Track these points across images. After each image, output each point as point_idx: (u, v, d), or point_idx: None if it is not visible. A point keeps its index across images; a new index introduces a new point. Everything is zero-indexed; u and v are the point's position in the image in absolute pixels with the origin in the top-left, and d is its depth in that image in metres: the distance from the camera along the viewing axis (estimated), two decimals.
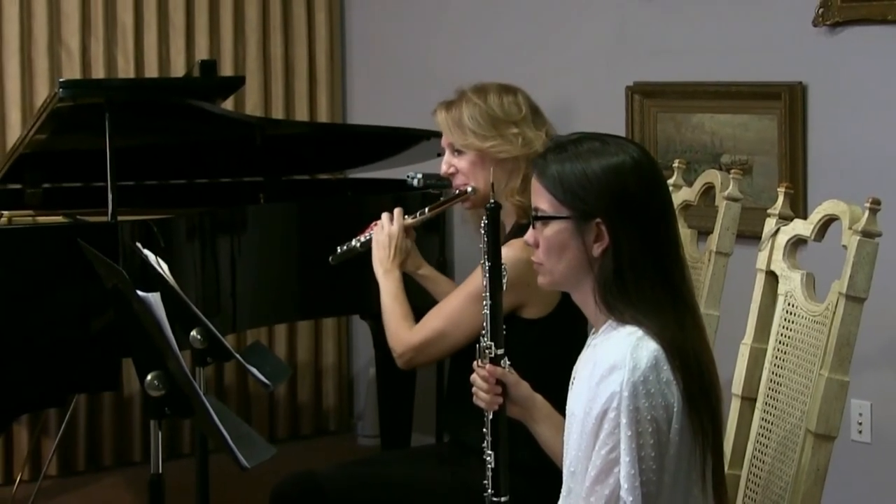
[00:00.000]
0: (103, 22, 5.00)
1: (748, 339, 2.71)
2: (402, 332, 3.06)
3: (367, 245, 3.23)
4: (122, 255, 3.43)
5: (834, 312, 2.43)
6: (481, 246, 2.44)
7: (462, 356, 2.99)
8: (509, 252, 2.78)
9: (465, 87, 3.17)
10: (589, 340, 2.32)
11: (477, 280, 2.95)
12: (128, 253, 3.43)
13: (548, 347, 2.93)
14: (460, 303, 3.01)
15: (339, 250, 3.32)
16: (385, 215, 3.21)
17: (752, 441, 2.63)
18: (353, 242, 3.28)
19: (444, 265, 4.18)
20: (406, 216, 3.22)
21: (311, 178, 4.87)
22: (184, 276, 3.56)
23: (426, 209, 3.25)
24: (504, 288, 2.43)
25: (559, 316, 2.96)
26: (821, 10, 3.98)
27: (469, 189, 3.12)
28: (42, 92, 4.84)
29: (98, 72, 4.99)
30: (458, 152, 3.14)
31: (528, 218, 2.88)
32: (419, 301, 3.26)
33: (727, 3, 4.25)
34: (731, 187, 2.98)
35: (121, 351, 3.42)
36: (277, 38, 5.38)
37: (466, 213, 3.25)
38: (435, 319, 3.04)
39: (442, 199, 3.27)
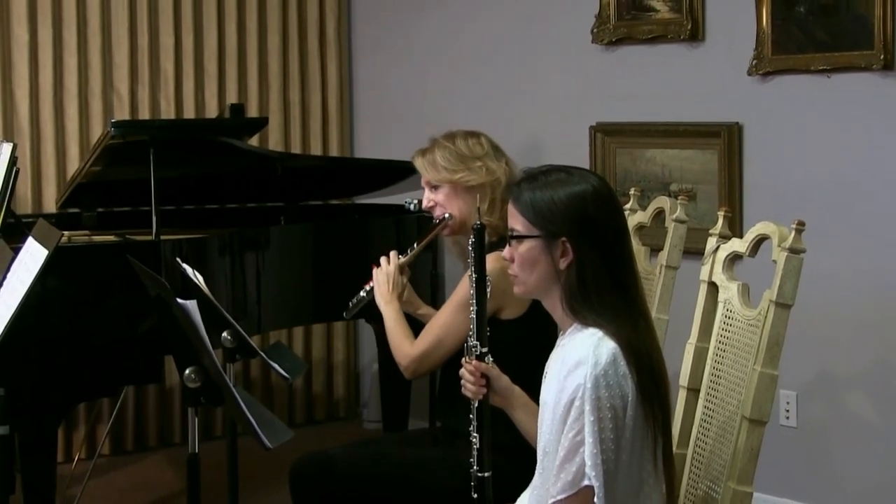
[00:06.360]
0: (149, 71, 5.00)
1: (693, 339, 2.70)
2: (405, 347, 3.05)
3: (373, 293, 3.20)
4: (165, 268, 3.43)
5: (765, 317, 2.43)
6: (469, 260, 2.44)
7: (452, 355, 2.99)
8: (487, 264, 2.78)
9: (437, 135, 3.19)
10: (558, 341, 2.32)
11: (461, 291, 2.96)
12: (169, 266, 3.43)
13: (523, 344, 2.91)
14: (450, 313, 2.99)
15: (350, 305, 3.27)
16: (382, 258, 3.20)
17: (696, 426, 2.63)
18: (361, 294, 3.24)
19: (437, 276, 4.18)
20: (399, 256, 3.20)
21: (323, 203, 4.87)
22: (216, 286, 3.56)
23: (415, 245, 3.24)
24: (489, 296, 2.43)
25: (531, 316, 2.95)
26: (755, 62, 3.99)
27: (447, 216, 3.12)
28: (97, 130, 4.83)
29: (144, 113, 4.99)
30: (434, 188, 3.15)
31: (498, 235, 2.92)
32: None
33: (675, 56, 4.26)
34: (678, 211, 2.99)
35: (163, 349, 3.42)
36: (296, 85, 5.38)
37: (450, 240, 3.24)
38: (430, 332, 3.02)
39: (426, 231, 3.25)
